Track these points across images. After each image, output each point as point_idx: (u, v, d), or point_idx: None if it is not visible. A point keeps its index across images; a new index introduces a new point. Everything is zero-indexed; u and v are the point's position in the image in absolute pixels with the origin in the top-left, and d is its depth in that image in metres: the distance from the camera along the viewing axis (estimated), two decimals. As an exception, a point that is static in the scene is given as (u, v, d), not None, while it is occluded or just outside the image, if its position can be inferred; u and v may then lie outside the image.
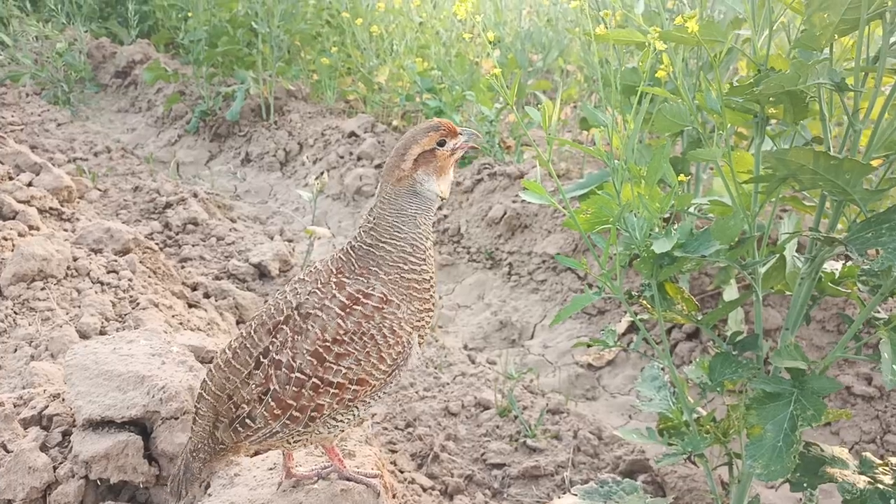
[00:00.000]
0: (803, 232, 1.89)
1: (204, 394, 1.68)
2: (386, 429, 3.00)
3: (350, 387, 1.58)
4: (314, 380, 1.56)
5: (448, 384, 3.30)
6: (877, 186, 1.80)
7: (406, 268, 1.61)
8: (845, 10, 1.71)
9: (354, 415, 1.66)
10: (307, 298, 1.60)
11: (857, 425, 3.16)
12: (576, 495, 2.12)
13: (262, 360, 1.60)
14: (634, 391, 3.53)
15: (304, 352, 1.56)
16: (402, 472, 2.67)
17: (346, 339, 1.55)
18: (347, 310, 1.56)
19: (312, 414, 1.59)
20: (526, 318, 4.15)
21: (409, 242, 1.62)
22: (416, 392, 3.25)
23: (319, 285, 1.61)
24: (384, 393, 1.66)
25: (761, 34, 1.96)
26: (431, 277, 1.66)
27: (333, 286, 1.60)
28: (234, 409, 1.63)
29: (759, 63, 1.93)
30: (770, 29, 1.94)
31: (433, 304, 1.68)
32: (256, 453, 1.92)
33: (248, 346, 1.63)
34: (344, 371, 1.56)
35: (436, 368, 3.43)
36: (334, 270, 1.63)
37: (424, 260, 1.64)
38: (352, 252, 1.64)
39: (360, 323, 1.56)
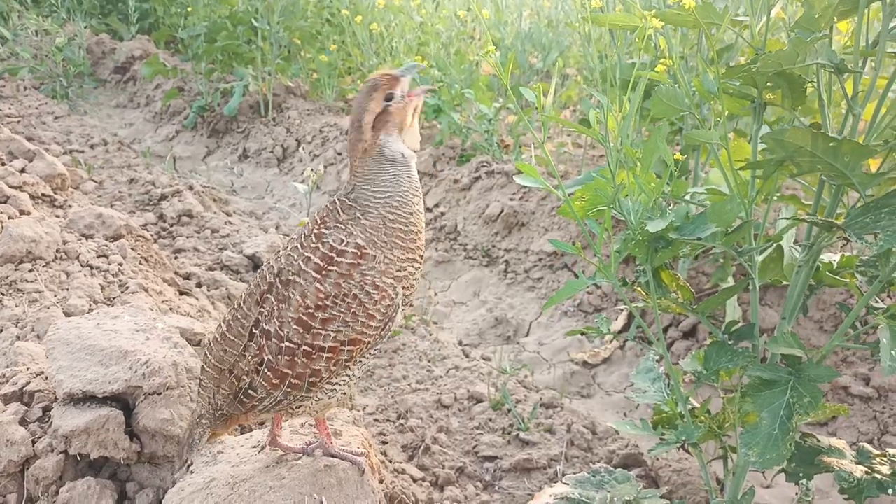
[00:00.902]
0: (801, 218, 1.86)
1: (206, 367, 1.68)
2: (377, 420, 2.96)
3: (343, 348, 1.54)
4: (305, 347, 1.53)
5: (441, 377, 3.27)
6: (877, 171, 1.78)
7: (391, 217, 1.57)
8: (845, -8, 1.70)
9: (350, 375, 1.63)
10: (286, 262, 1.58)
11: (854, 426, 3.13)
12: (567, 484, 2.08)
13: (254, 331, 1.58)
14: (629, 389, 3.49)
15: (290, 320, 1.53)
16: (392, 463, 2.63)
17: (328, 303, 1.52)
18: (323, 272, 1.52)
19: (311, 379, 1.56)
20: (521, 316, 4.12)
21: (395, 199, 1.59)
22: (409, 384, 3.21)
23: (302, 239, 1.59)
24: (377, 349, 1.63)
25: (759, 20, 1.95)
26: (419, 231, 1.63)
27: (313, 239, 1.57)
28: (236, 383, 1.62)
29: (756, 47, 1.90)
30: (768, 15, 1.92)
31: (420, 257, 1.64)
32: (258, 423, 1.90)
33: (240, 317, 1.61)
34: (333, 335, 1.53)
35: (429, 362, 3.40)
36: (318, 221, 1.60)
37: (412, 213, 1.61)
38: (338, 202, 1.61)
39: (339, 284, 1.51)
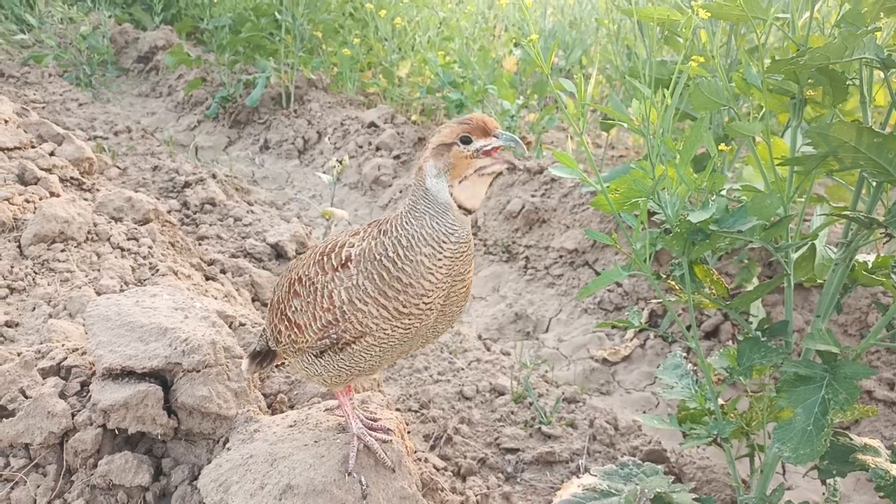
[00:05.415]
0: (843, 213, 1.85)
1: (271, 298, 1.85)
2: (399, 409, 2.97)
3: (293, 326, 1.64)
4: (282, 304, 1.68)
5: (463, 369, 3.27)
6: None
7: (391, 255, 1.48)
8: (893, -12, 1.69)
9: (325, 367, 1.64)
10: (335, 237, 1.67)
11: (877, 430, 3.11)
12: (595, 476, 2.08)
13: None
14: (649, 387, 3.48)
15: (286, 280, 1.70)
16: (414, 452, 2.63)
17: (300, 282, 1.62)
18: (318, 257, 1.61)
19: (277, 336, 1.71)
20: (541, 312, 4.11)
21: (406, 239, 1.49)
22: (430, 375, 3.22)
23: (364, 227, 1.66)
24: (347, 365, 1.62)
25: (801, 16, 1.94)
26: (410, 285, 1.48)
27: (361, 228, 1.65)
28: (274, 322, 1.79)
29: (799, 43, 1.90)
30: (811, 10, 1.91)
31: (397, 313, 1.50)
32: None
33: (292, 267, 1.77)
34: (292, 309, 1.63)
35: (450, 353, 3.40)
36: (379, 219, 1.65)
37: (411, 262, 1.46)
38: (395, 215, 1.58)
39: (318, 273, 1.58)
